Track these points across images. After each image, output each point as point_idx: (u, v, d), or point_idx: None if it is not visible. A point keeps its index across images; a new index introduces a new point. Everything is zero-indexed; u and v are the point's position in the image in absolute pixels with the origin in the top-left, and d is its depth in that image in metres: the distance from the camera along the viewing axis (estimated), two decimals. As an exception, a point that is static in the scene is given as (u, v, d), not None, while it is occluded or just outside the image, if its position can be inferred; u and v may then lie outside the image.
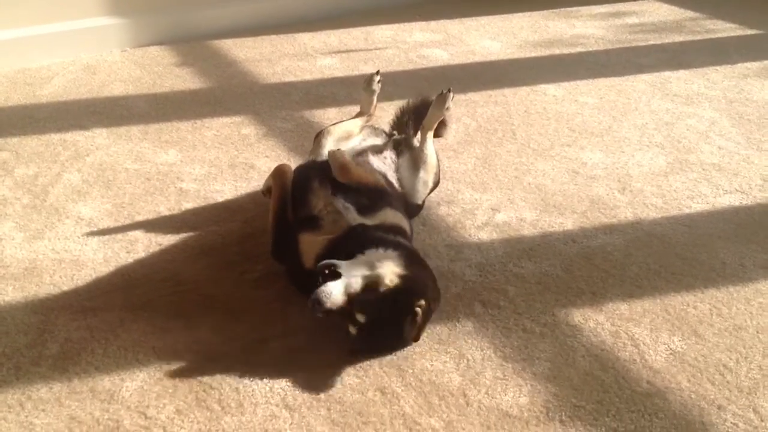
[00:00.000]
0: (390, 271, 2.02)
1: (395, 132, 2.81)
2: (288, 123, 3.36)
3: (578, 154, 3.13)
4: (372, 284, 1.98)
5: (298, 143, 3.17)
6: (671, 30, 4.51)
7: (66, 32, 3.99)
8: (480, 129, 3.32)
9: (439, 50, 4.21)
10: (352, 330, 2.00)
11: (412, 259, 2.12)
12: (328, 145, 2.60)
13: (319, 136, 2.68)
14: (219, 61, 4.03)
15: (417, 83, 3.73)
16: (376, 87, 2.80)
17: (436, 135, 2.76)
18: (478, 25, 4.60)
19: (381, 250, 2.08)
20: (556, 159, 3.09)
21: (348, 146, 2.62)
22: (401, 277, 2.02)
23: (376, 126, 2.85)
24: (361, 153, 2.57)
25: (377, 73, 2.80)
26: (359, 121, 2.77)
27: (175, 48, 4.16)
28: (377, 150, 2.61)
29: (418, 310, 1.99)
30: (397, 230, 2.23)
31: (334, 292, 1.94)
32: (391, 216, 2.26)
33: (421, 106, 2.81)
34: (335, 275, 1.98)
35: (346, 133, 2.68)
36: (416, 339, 2.05)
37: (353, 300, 1.96)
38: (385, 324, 2.01)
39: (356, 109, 2.94)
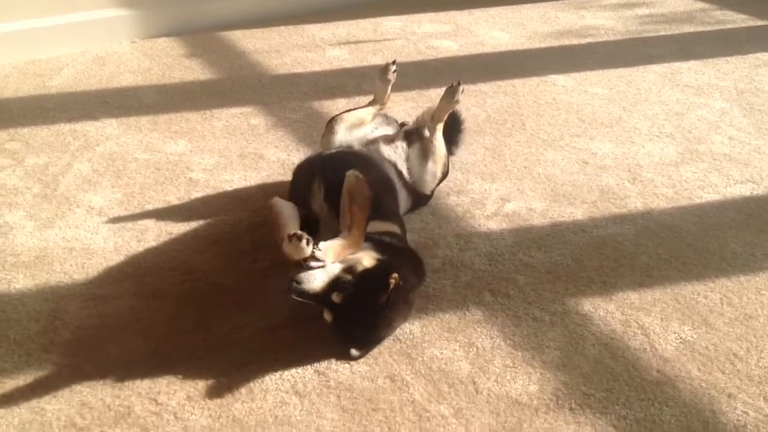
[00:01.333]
0: (368, 256, 2.05)
1: (407, 122, 2.80)
2: (297, 113, 3.36)
3: (588, 145, 3.12)
4: (349, 268, 2.00)
5: (307, 133, 3.17)
6: (681, 20, 4.49)
7: (75, 24, 3.99)
8: (489, 119, 3.32)
9: (449, 41, 4.20)
10: (328, 317, 1.99)
11: (392, 250, 2.15)
12: (341, 132, 2.60)
13: (331, 122, 2.67)
14: (228, 52, 4.03)
15: (426, 74, 3.72)
16: (392, 77, 2.78)
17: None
18: (487, 16, 4.59)
19: (365, 243, 2.11)
20: (565, 149, 3.08)
21: (360, 134, 2.63)
22: (378, 260, 2.05)
23: (389, 115, 2.85)
24: (373, 141, 2.59)
25: (393, 62, 2.78)
26: (372, 110, 2.77)
27: (184, 39, 4.16)
28: (389, 139, 2.62)
29: (392, 281, 1.98)
30: (385, 234, 2.23)
31: (316, 277, 1.95)
32: (381, 227, 2.25)
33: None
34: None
35: (359, 121, 2.68)
36: (384, 304, 1.99)
37: (331, 284, 1.96)
38: (360, 302, 1.98)
39: (365, 99, 2.93)
